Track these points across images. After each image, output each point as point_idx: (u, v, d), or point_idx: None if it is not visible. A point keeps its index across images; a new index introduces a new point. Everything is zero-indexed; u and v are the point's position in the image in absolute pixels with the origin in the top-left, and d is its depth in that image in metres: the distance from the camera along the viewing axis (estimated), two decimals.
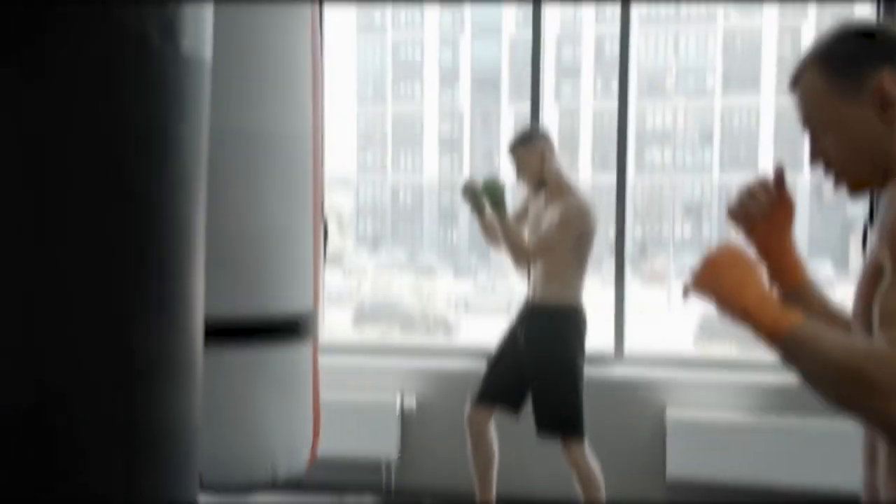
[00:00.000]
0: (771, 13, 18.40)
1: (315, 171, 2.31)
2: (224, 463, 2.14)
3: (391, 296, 12.69)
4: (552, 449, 2.95)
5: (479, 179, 2.83)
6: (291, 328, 2.24)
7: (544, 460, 3.29)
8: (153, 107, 0.96)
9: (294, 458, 2.25)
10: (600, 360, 3.49)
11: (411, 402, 3.50)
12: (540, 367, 2.82)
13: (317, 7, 2.33)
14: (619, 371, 3.43)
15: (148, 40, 0.93)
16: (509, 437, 3.10)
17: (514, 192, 3.08)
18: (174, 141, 0.99)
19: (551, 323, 2.83)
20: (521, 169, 2.86)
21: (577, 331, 2.82)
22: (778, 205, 1.21)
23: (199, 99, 1.06)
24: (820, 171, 1.16)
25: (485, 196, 2.78)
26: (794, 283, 1.21)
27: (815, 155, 1.17)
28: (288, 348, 2.24)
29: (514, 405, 2.92)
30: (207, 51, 1.08)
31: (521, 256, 2.79)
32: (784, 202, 1.21)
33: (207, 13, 1.08)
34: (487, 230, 2.94)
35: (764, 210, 1.20)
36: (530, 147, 2.85)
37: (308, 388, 2.30)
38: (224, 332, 2.14)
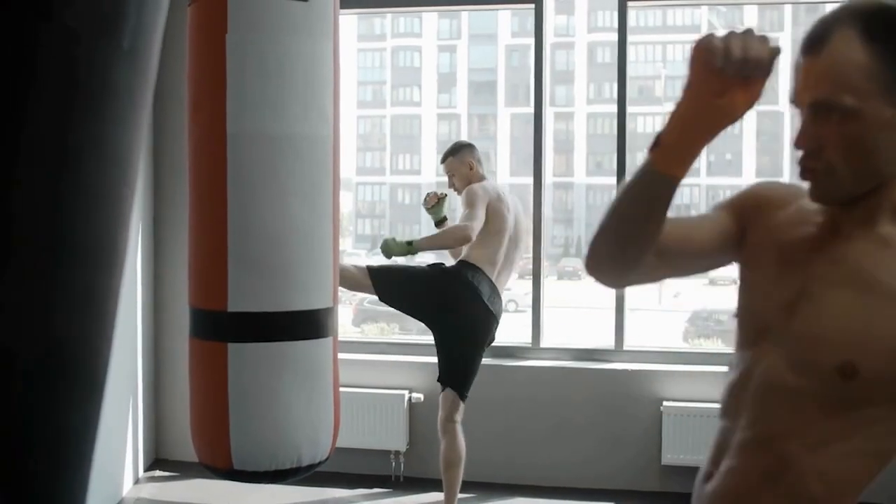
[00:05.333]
0: (751, 24, 18.59)
1: (335, 172, 2.42)
2: (252, 452, 2.26)
3: None
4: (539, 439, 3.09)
5: (385, 242, 3.06)
6: (314, 324, 2.37)
7: (533, 450, 3.45)
8: (79, 99, 0.88)
9: (317, 447, 2.37)
10: (601, 353, 3.66)
11: (419, 397, 3.66)
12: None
13: (338, 13, 2.44)
14: (618, 364, 3.60)
15: (79, 33, 0.85)
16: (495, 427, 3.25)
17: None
18: (93, 136, 0.91)
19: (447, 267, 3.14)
20: (452, 176, 3.16)
21: (460, 273, 3.03)
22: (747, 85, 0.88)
23: (135, 94, 0.98)
24: (802, 156, 0.97)
25: (394, 254, 3.07)
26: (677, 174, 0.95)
27: (809, 138, 0.94)
28: (311, 343, 2.36)
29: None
30: (149, 45, 1.01)
31: (459, 231, 2.98)
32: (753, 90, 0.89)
33: (153, 10, 1.00)
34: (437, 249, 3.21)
35: (741, 72, 0.86)
36: (460, 157, 3.16)
37: (329, 380, 2.41)
38: (252, 328, 2.28)
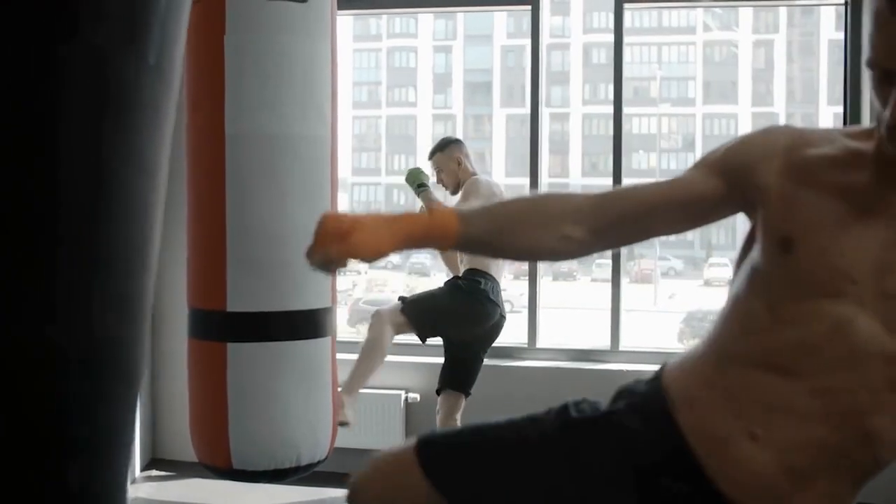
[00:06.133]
0: (745, 26, 18.72)
1: (332, 173, 2.44)
2: (252, 451, 2.27)
3: (385, 295, 12.86)
4: None
5: (414, 169, 3.11)
6: (313, 324, 2.38)
7: None
8: (110, 114, 0.94)
9: (316, 446, 2.38)
10: (597, 354, 3.68)
11: (416, 397, 3.67)
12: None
13: (336, 14, 2.45)
14: (614, 364, 3.61)
15: (109, 52, 0.92)
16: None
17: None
18: (123, 149, 0.97)
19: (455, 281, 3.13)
20: (441, 172, 3.15)
21: (473, 283, 3.03)
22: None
23: (161, 106, 1.04)
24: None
25: (408, 183, 3.09)
26: (456, 236, 1.05)
27: None
28: (309, 342, 2.37)
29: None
30: (173, 58, 1.06)
31: None
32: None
33: (175, 25, 1.05)
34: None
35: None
36: (447, 153, 3.15)
37: (328, 380, 2.43)
38: (251, 328, 2.28)
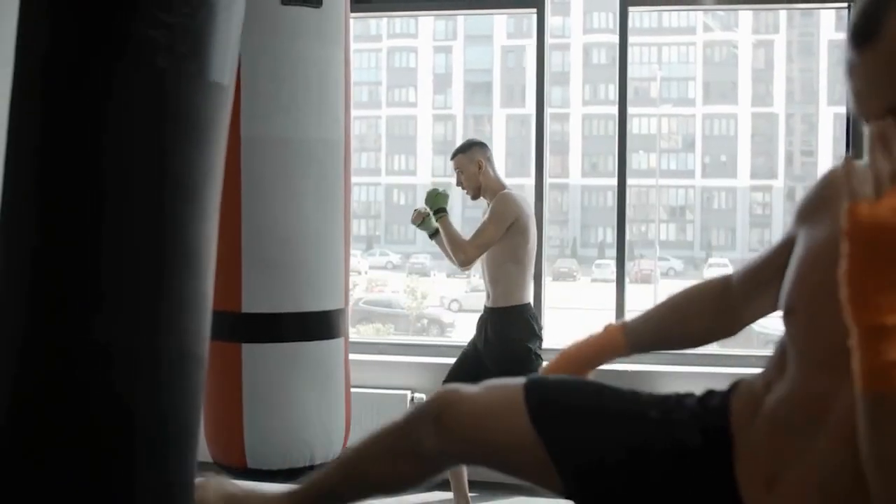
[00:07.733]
0: (745, 27, 18.67)
1: (346, 175, 2.46)
2: (266, 450, 2.30)
3: (385, 296, 12.87)
4: None
5: (434, 192, 3.03)
6: (326, 325, 2.41)
7: None
8: (170, 128, 1.03)
9: (329, 445, 2.41)
10: None
11: (421, 397, 3.70)
12: (500, 367, 2.91)
13: (349, 19, 2.48)
14: (617, 364, 3.64)
15: (167, 67, 0.99)
16: None
17: (461, 200, 3.24)
18: (189, 160, 1.05)
19: (503, 325, 2.98)
20: (461, 174, 3.10)
21: (528, 327, 2.97)
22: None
23: (216, 120, 1.11)
24: None
25: (427, 206, 3.01)
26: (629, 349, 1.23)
27: None
28: (323, 343, 2.40)
29: None
30: (229, 76, 1.12)
31: (459, 252, 2.95)
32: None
33: (231, 42, 1.11)
34: (438, 242, 3.12)
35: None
36: (469, 155, 3.09)
37: (341, 379, 2.46)
38: (265, 328, 2.32)
